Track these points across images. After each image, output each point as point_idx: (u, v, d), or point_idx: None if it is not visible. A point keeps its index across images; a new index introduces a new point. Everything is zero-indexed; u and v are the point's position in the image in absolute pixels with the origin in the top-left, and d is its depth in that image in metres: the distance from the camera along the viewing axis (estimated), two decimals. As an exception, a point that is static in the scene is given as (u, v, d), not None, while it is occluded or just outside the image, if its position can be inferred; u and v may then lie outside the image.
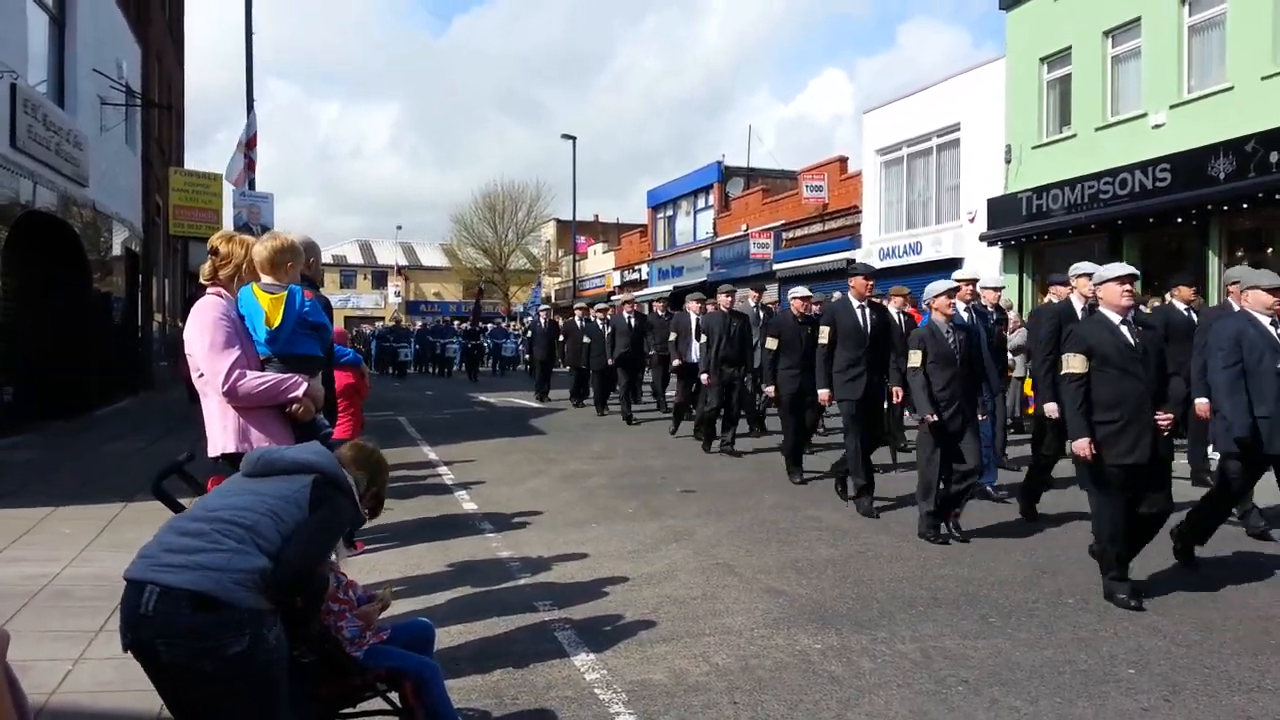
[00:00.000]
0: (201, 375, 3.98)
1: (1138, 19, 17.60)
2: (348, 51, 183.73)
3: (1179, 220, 16.45)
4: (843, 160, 27.77)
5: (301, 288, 4.31)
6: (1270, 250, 15.67)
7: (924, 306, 12.29)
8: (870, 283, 8.56)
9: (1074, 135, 19.11)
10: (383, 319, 51.83)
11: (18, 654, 3.18)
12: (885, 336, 8.60)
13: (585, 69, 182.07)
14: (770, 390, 9.77)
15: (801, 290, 10.11)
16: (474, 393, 23.01)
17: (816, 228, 27.86)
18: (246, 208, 20.66)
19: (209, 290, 4.10)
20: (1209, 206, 15.72)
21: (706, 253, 34.58)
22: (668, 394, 16.75)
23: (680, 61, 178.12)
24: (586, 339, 16.68)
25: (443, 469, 10.64)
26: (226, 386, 3.87)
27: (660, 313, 17.30)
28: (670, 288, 33.84)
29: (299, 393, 4.01)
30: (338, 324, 6.45)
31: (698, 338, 12.48)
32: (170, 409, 16.21)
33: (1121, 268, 5.66)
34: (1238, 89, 15.66)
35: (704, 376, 11.85)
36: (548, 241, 57.26)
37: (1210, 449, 9.51)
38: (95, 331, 15.62)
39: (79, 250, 15.03)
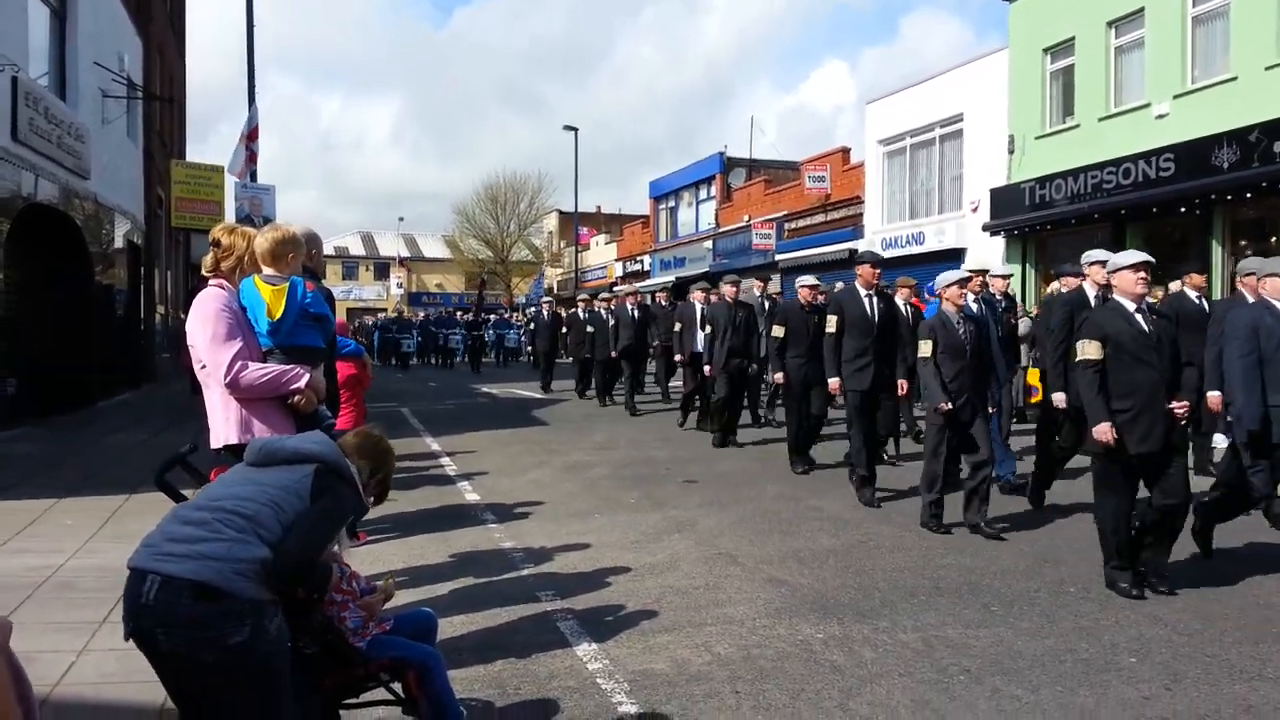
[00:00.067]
0: (203, 367, 3.98)
1: (1141, 9, 17.54)
2: (349, 44, 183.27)
3: (1182, 210, 16.41)
4: (845, 151, 27.72)
5: (303, 279, 4.31)
6: (1274, 239, 15.63)
7: (929, 296, 12.34)
8: (877, 271, 8.46)
9: (1077, 125, 19.06)
10: (385, 310, 51.78)
11: (21, 645, 3.19)
12: (893, 326, 8.54)
13: (586, 61, 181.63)
14: (779, 376, 9.67)
15: (809, 279, 10.01)
16: (476, 384, 23.02)
17: (819, 218, 27.82)
18: (248, 200, 20.64)
19: (211, 282, 4.10)
20: (1212, 196, 15.69)
21: (709, 244, 34.55)
22: (671, 385, 16.75)
23: (681, 53, 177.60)
24: (590, 328, 16.66)
25: (445, 460, 10.66)
26: (228, 378, 3.87)
27: (664, 303, 17.28)
28: (672, 278, 33.83)
29: (301, 384, 4.01)
30: (340, 316, 6.44)
31: (702, 328, 12.39)
32: (173, 401, 16.23)
33: (1136, 255, 5.61)
34: (1241, 79, 15.60)
35: (707, 368, 11.85)
36: (550, 233, 57.22)
37: (1215, 440, 9.51)
38: (97, 324, 15.64)
39: (81, 243, 15.04)
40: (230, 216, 20.85)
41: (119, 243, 17.71)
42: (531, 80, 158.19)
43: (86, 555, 6.18)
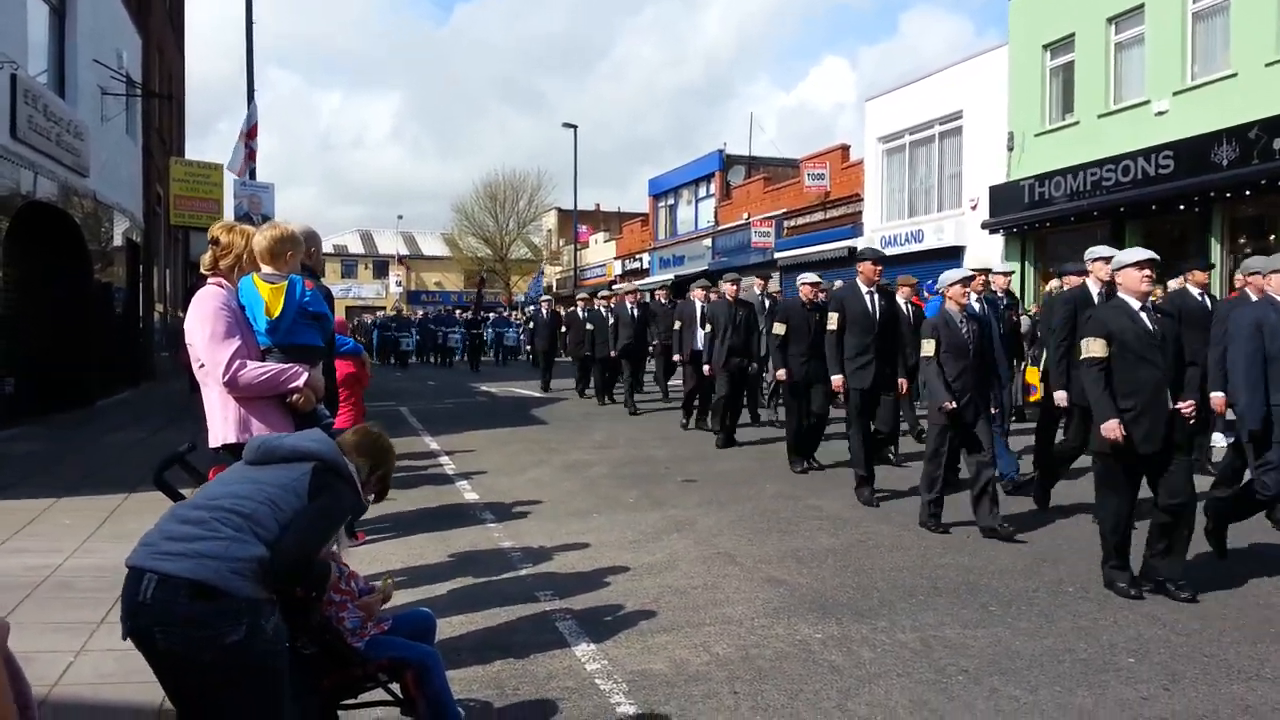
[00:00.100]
0: (202, 365, 3.97)
1: (1141, 6, 17.52)
2: (349, 41, 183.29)
3: (1182, 207, 16.40)
4: (844, 148, 27.70)
5: (302, 277, 4.30)
6: (1273, 237, 15.63)
7: (927, 294, 12.35)
8: (879, 268, 8.37)
9: (1076, 122, 19.05)
10: (384, 308, 51.81)
11: (20, 645, 3.19)
12: (894, 324, 8.49)
13: (586, 58, 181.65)
14: (782, 373, 9.57)
15: (811, 276, 9.90)
16: (476, 382, 23.01)
17: (818, 216, 27.80)
18: (247, 198, 20.63)
19: (209, 280, 4.09)
20: (1212, 194, 15.68)
21: (708, 241, 34.53)
22: (671, 384, 16.72)
23: (681, 51, 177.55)
24: (590, 326, 16.62)
25: (444, 459, 10.66)
26: (227, 377, 3.87)
27: (663, 300, 17.24)
28: (672, 276, 33.81)
29: (299, 383, 4.00)
30: (339, 314, 6.44)
31: (703, 326, 12.35)
32: (171, 399, 16.23)
33: (1140, 252, 5.57)
34: (1241, 76, 15.59)
35: (706, 368, 11.82)
36: (549, 231, 57.18)
37: (1213, 439, 9.51)
38: (96, 322, 15.63)
39: (80, 241, 15.03)
40: (229, 214, 20.84)
41: (118, 241, 17.70)
42: (531, 77, 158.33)
43: (85, 555, 6.18)
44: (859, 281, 8.39)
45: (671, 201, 39.28)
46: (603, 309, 16.49)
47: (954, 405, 6.82)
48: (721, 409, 11.40)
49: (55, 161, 13.60)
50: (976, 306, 7.62)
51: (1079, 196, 18.41)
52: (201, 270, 4.20)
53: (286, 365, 4.03)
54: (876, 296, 8.31)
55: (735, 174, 34.83)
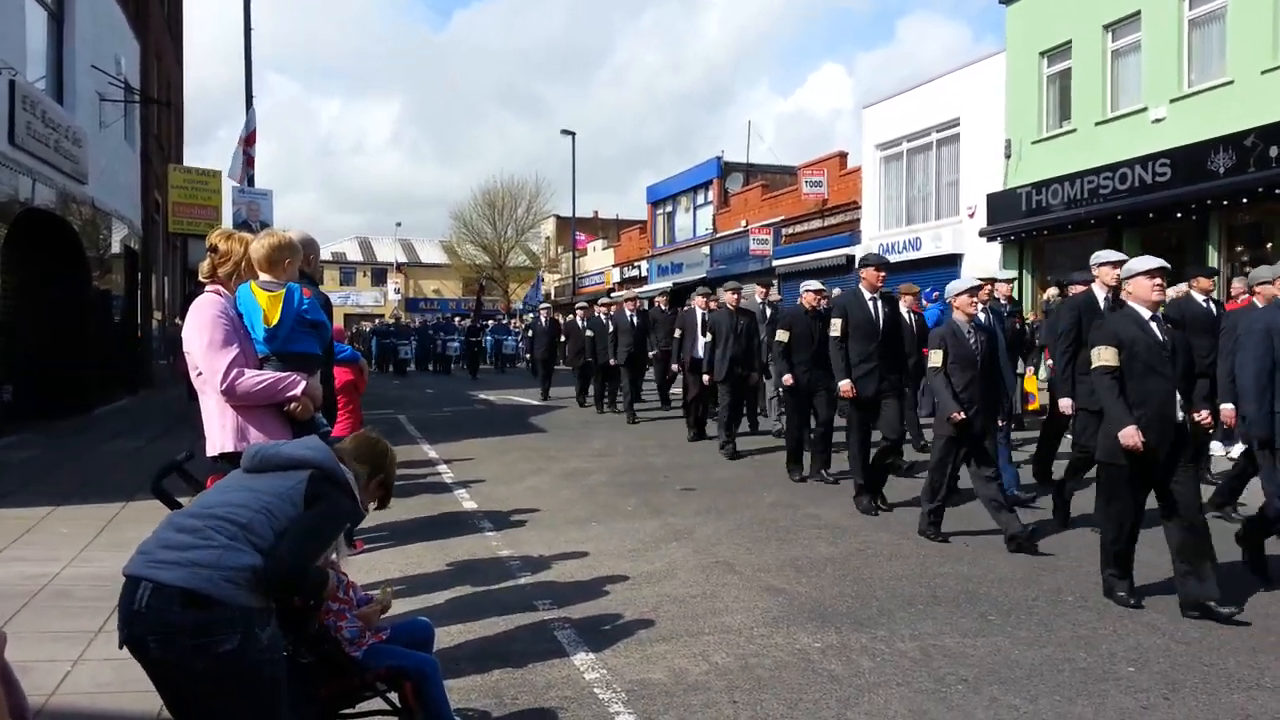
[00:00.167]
0: (200, 373, 3.97)
1: (1138, 13, 17.56)
2: (348, 46, 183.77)
3: (1179, 215, 16.42)
4: (842, 155, 27.72)
5: (300, 285, 4.30)
6: (1270, 245, 15.65)
7: (925, 303, 12.35)
8: (882, 274, 8.26)
9: (1074, 130, 19.08)
10: (382, 316, 51.78)
11: (17, 655, 3.18)
12: (897, 331, 8.40)
13: (585, 64, 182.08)
14: (788, 378, 9.46)
15: (814, 284, 9.83)
16: (474, 390, 23.00)
17: (816, 223, 27.82)
18: (246, 205, 20.62)
19: (208, 288, 4.09)
20: (1209, 201, 15.69)
21: (706, 249, 34.55)
22: (673, 393, 16.67)
23: (680, 56, 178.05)
24: (590, 333, 16.59)
25: (442, 467, 10.64)
26: (224, 385, 3.86)
27: (663, 307, 17.21)
28: (670, 284, 33.82)
29: (297, 391, 4.00)
30: (337, 321, 6.44)
31: (704, 334, 12.32)
32: (169, 407, 16.21)
33: (1151, 261, 5.48)
34: (1238, 83, 15.62)
35: (706, 377, 11.81)
36: (547, 238, 57.21)
37: (1211, 447, 9.51)
38: (94, 330, 15.61)
39: (78, 248, 15.02)
40: (227, 221, 20.83)
41: (116, 248, 17.69)
42: (530, 82, 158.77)
43: (82, 563, 6.16)
44: (862, 288, 8.29)
45: (670, 209, 39.31)
46: (602, 316, 16.46)
47: (962, 416, 6.75)
48: (726, 419, 11.37)
49: (53, 168, 13.60)
50: (982, 317, 7.50)
51: (1076, 204, 18.44)
52: (200, 278, 4.19)
53: (284, 373, 4.02)
54: (880, 303, 8.23)
55: (733, 181, 34.88)
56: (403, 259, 69.28)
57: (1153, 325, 5.37)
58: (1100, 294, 7.34)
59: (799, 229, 28.61)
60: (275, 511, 2.74)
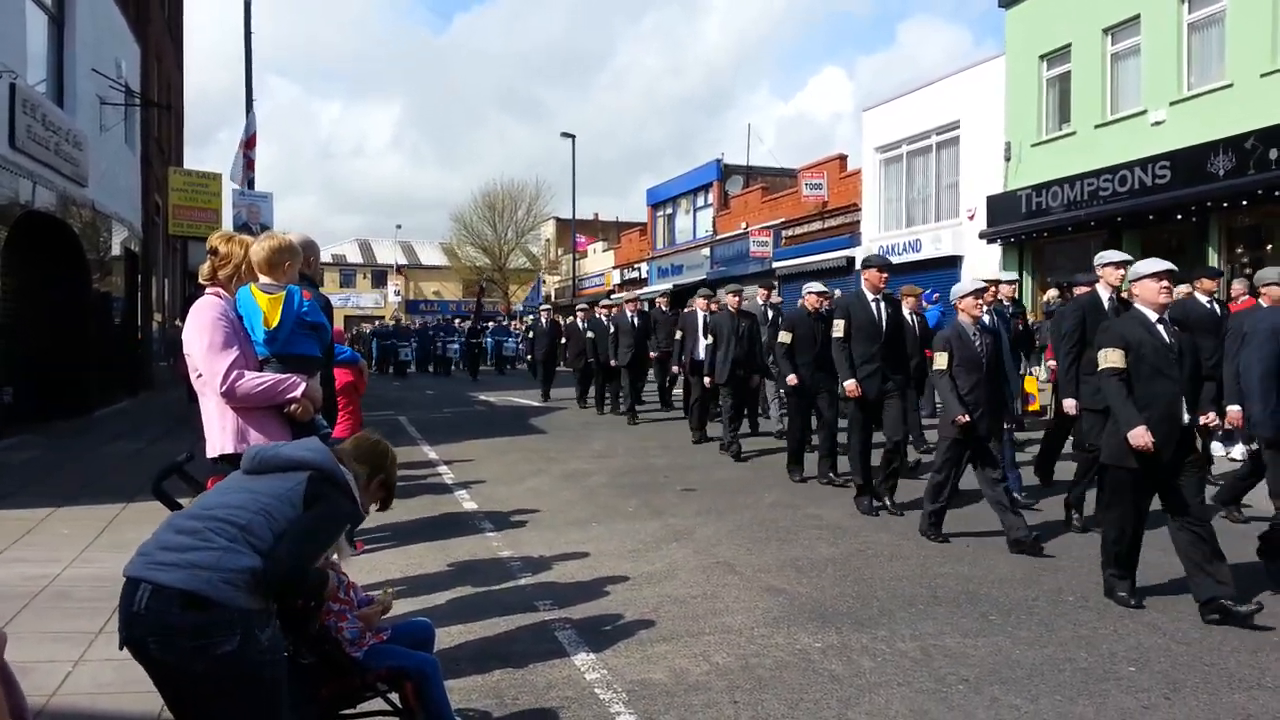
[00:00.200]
0: (200, 375, 3.97)
1: (1137, 16, 17.58)
2: (348, 49, 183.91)
3: (1179, 217, 16.43)
4: (842, 158, 27.74)
5: (300, 287, 4.31)
6: (1270, 247, 15.67)
7: (925, 304, 12.34)
8: (885, 275, 8.24)
9: (1073, 132, 19.09)
10: (382, 318, 51.83)
11: (18, 655, 3.19)
12: (900, 332, 8.38)
13: (586, 67, 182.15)
14: (793, 378, 9.40)
15: (817, 285, 9.80)
16: (474, 391, 23.01)
17: (816, 226, 27.83)
18: (246, 207, 20.66)
19: (208, 290, 4.09)
20: (1208, 203, 15.70)
21: (706, 251, 34.57)
22: (674, 394, 16.66)
23: (680, 60, 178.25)
24: (591, 334, 16.59)
25: (443, 468, 10.65)
26: (225, 387, 3.87)
27: (664, 308, 17.21)
28: (670, 286, 33.82)
29: (297, 393, 4.00)
30: (337, 323, 6.45)
31: (705, 336, 12.31)
32: (170, 409, 16.21)
33: (1158, 263, 5.45)
34: (1237, 86, 15.64)
35: (707, 380, 11.80)
36: (547, 240, 57.25)
37: (1211, 448, 9.50)
38: (95, 332, 15.62)
39: (78, 250, 15.02)
40: (228, 224, 20.86)
41: (116, 250, 17.70)
42: (530, 86, 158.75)
43: (83, 564, 6.17)
44: (865, 289, 8.27)
45: (670, 211, 39.33)
46: (603, 317, 16.46)
47: (966, 419, 6.72)
48: (729, 420, 11.37)
49: (54, 171, 13.60)
50: (987, 319, 7.44)
51: (1076, 206, 18.45)
52: (200, 280, 4.20)
53: (284, 375, 4.03)
54: (882, 304, 8.21)
55: (733, 184, 34.91)
56: (403, 261, 69.34)
57: (1160, 328, 5.34)
58: (1105, 294, 7.29)
59: (799, 231, 28.63)
60: (274, 513, 2.74)
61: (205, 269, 4.16)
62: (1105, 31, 18.37)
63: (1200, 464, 5.43)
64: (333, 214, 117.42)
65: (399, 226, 73.56)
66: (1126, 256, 7.14)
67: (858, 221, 25.87)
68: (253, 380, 3.92)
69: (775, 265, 28.97)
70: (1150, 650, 4.75)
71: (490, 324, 34.43)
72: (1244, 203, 15.30)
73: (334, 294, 53.43)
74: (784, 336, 9.56)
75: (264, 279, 4.13)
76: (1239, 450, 9.66)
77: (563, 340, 19.91)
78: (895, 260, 22.60)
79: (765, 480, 9.67)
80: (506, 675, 4.44)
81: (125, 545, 5.50)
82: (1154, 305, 5.40)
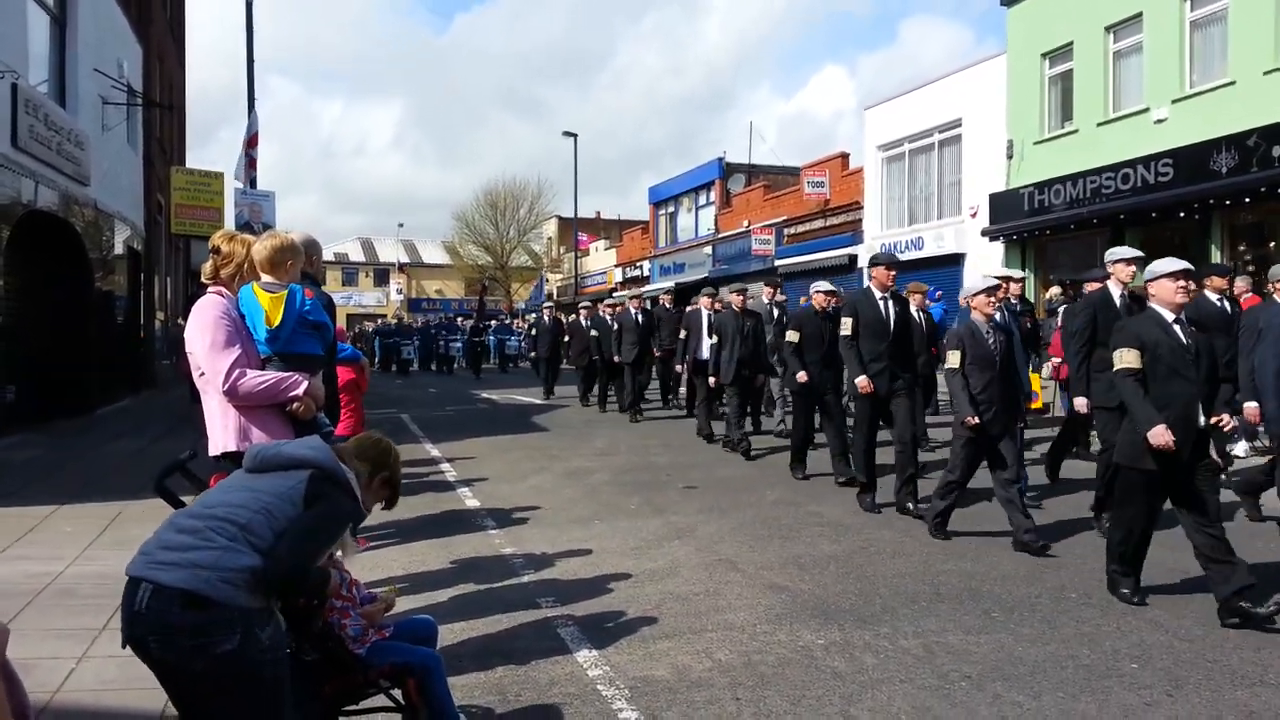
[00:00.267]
0: (202, 374, 3.98)
1: (1139, 14, 17.57)
2: (349, 49, 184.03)
3: (1181, 215, 16.42)
4: (844, 156, 27.74)
5: (302, 286, 4.31)
6: (1273, 244, 15.65)
7: (929, 301, 12.33)
8: (893, 273, 8.19)
9: (1075, 130, 19.08)
10: (385, 316, 51.83)
11: (21, 652, 3.19)
12: (907, 330, 8.31)
13: (587, 66, 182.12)
14: (802, 375, 9.35)
15: (824, 284, 9.72)
16: (477, 389, 23.01)
17: (818, 224, 27.83)
18: (248, 206, 20.69)
19: (210, 289, 4.10)
20: (1211, 201, 15.70)
21: (708, 249, 34.57)
22: (679, 393, 16.64)
23: (681, 59, 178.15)
24: (594, 332, 16.59)
25: (445, 466, 10.65)
26: (227, 385, 3.87)
27: (667, 305, 17.19)
28: (672, 284, 33.83)
29: (299, 391, 4.00)
30: (339, 322, 6.45)
31: (710, 335, 12.29)
32: (172, 408, 16.21)
33: (1176, 263, 5.38)
34: (1240, 84, 15.63)
35: (712, 380, 11.79)
36: (549, 238, 57.24)
37: (1229, 446, 9.47)
38: (97, 330, 15.63)
39: (81, 249, 15.04)
40: (230, 223, 20.88)
41: (119, 249, 17.72)
42: (531, 85, 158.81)
43: (86, 562, 6.18)
44: (872, 287, 8.22)
45: (672, 209, 39.34)
46: (607, 316, 16.45)
47: (976, 420, 6.67)
48: (735, 420, 11.35)
49: (56, 171, 13.62)
50: (998, 317, 7.26)
51: (1079, 204, 18.44)
52: (202, 279, 4.20)
53: (286, 374, 4.03)
54: (890, 302, 8.15)
55: (735, 182, 34.90)
56: (405, 259, 69.35)
57: (1176, 328, 5.28)
58: (1116, 291, 7.17)
59: (801, 229, 28.62)
60: (275, 512, 2.74)
61: (207, 268, 4.16)
62: (1107, 29, 18.36)
63: (1213, 466, 5.36)
64: (334, 213, 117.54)
65: (401, 225, 73.75)
66: (1138, 253, 7.07)
67: (860, 219, 25.87)
68: (255, 379, 3.92)
69: (777, 263, 28.97)
70: (1153, 647, 4.75)
71: (493, 322, 34.45)
72: (1246, 200, 15.30)
73: (336, 292, 53.48)
74: (792, 335, 9.55)
75: (266, 278, 4.13)
76: (1241, 447, 9.65)
77: (565, 338, 19.93)
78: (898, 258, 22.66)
79: (768, 478, 9.67)
80: (509, 672, 4.44)
81: (128, 543, 5.51)
82: (1171, 305, 5.33)
